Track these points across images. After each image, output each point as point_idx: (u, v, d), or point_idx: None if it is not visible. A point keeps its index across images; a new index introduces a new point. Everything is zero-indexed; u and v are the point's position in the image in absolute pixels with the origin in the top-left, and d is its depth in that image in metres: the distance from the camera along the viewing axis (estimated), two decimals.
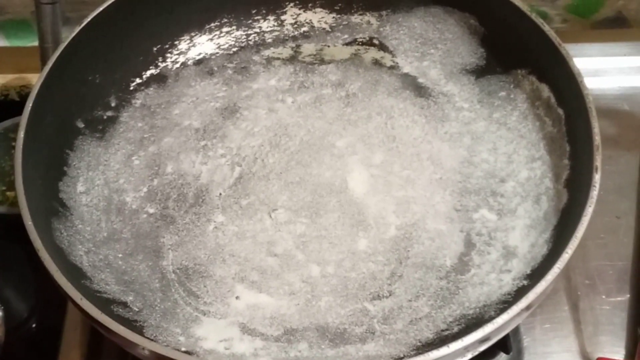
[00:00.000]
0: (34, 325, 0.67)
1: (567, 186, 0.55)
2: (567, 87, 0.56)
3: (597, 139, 0.52)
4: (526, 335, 0.60)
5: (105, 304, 0.51)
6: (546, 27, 0.58)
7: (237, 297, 0.54)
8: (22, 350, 0.66)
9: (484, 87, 0.63)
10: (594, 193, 0.50)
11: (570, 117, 0.57)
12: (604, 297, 0.62)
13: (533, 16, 0.59)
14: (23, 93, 0.78)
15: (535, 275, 0.52)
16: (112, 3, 0.61)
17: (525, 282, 0.52)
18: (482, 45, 0.64)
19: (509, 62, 0.62)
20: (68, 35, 0.59)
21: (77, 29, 0.59)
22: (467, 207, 0.58)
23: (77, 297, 0.47)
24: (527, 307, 0.47)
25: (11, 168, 0.72)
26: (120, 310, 0.52)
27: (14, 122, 0.74)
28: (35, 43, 0.65)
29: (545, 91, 0.59)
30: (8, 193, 0.71)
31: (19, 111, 0.60)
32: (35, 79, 0.75)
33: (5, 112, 0.75)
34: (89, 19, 0.60)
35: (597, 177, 0.51)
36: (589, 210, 0.49)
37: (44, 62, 0.66)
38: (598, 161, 0.51)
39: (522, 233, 0.56)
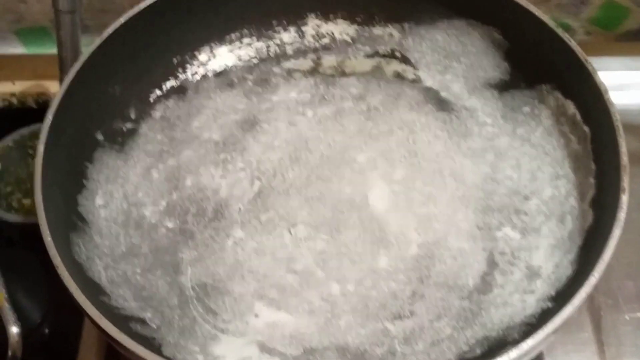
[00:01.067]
0: (47, 331, 0.66)
1: (593, 206, 0.54)
2: (593, 104, 0.55)
3: (624, 159, 0.51)
4: (548, 357, 0.59)
5: (124, 320, 0.51)
6: (572, 43, 0.57)
7: (256, 315, 0.54)
8: (37, 356, 0.65)
9: (508, 102, 0.62)
10: (621, 215, 0.49)
11: (596, 135, 0.56)
12: (627, 317, 0.61)
13: (559, 31, 0.58)
14: (40, 101, 0.78)
15: (560, 297, 0.51)
16: (133, 15, 0.60)
17: (549, 304, 0.51)
18: (506, 59, 0.63)
19: (533, 77, 0.61)
20: (87, 44, 0.59)
21: (98, 42, 0.58)
22: (490, 225, 0.57)
23: (96, 316, 0.46)
24: (553, 332, 0.46)
25: (28, 176, 0.72)
26: (139, 327, 0.51)
27: (30, 130, 0.74)
28: (54, 51, 0.64)
29: (571, 108, 0.58)
30: (24, 201, 0.71)
31: (35, 119, 0.59)
32: (53, 87, 0.76)
33: (22, 119, 0.75)
34: (109, 32, 0.59)
35: (624, 199, 0.50)
36: (616, 233, 0.48)
37: (62, 72, 0.65)
38: (625, 182, 0.50)
39: (546, 253, 0.55)
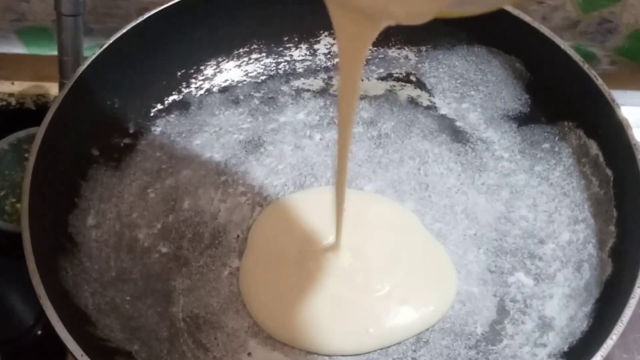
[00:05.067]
0: (39, 332, 0.63)
1: (612, 256, 0.51)
2: (618, 147, 0.52)
3: None
4: None
5: (109, 354, 0.48)
6: (599, 81, 0.54)
7: (249, 354, 0.51)
8: (30, 357, 0.62)
9: (527, 136, 0.59)
10: None
11: (619, 180, 0.53)
12: None
13: (585, 67, 0.54)
14: (39, 102, 0.75)
15: (573, 354, 0.48)
16: (137, 24, 0.57)
17: None
18: (527, 91, 0.59)
19: (555, 112, 0.58)
20: (90, 48, 0.55)
21: (98, 52, 0.55)
22: (502, 268, 0.54)
23: (78, 353, 0.43)
24: None
25: (23, 180, 0.69)
26: None
27: (28, 133, 0.71)
28: (55, 52, 0.61)
29: (594, 148, 0.55)
30: (18, 205, 0.68)
31: (34, 120, 0.56)
32: (53, 89, 0.73)
33: (20, 121, 0.72)
34: (111, 41, 0.56)
35: None
36: (638, 292, 0.45)
37: (62, 76, 0.62)
38: None
39: (561, 303, 0.52)
